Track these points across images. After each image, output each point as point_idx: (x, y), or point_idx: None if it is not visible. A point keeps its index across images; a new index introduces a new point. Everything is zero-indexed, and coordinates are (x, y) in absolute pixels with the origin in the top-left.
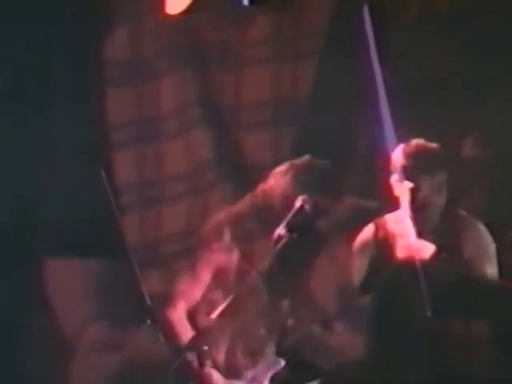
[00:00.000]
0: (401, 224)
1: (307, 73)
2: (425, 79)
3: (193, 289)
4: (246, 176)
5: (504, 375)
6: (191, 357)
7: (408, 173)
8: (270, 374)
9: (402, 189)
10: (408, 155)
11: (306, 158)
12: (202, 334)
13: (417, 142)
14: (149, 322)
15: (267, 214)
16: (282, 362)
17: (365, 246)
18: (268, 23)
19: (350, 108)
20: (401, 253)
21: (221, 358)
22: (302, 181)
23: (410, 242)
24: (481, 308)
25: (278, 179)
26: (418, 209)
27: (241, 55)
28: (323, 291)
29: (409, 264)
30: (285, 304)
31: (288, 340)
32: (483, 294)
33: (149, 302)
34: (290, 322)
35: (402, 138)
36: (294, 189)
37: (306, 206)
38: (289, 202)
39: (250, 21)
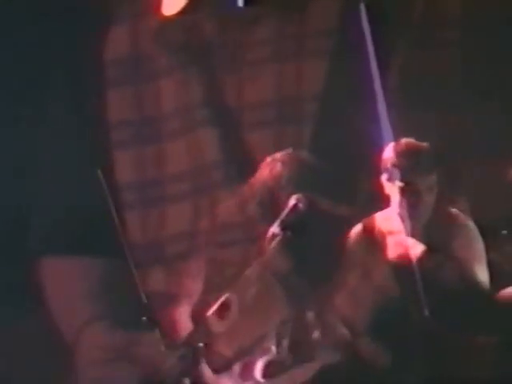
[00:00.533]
0: (390, 221)
1: (312, 72)
2: (427, 80)
3: (197, 287)
4: (251, 175)
5: (504, 377)
6: (187, 354)
7: (398, 172)
8: (262, 361)
9: (392, 188)
10: (398, 154)
11: (288, 151)
12: (197, 332)
13: (406, 140)
14: (144, 319)
15: (251, 207)
16: (274, 349)
17: (352, 246)
18: (271, 21)
19: (355, 108)
20: (391, 250)
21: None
22: (284, 174)
23: (399, 239)
24: (480, 313)
25: (261, 172)
26: (409, 208)
27: (244, 54)
28: (350, 302)
29: (402, 262)
30: (310, 315)
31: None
32: (482, 300)
33: (145, 299)
34: (316, 334)
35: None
36: (274, 182)
37: (300, 205)
38: (270, 196)
39: (253, 19)
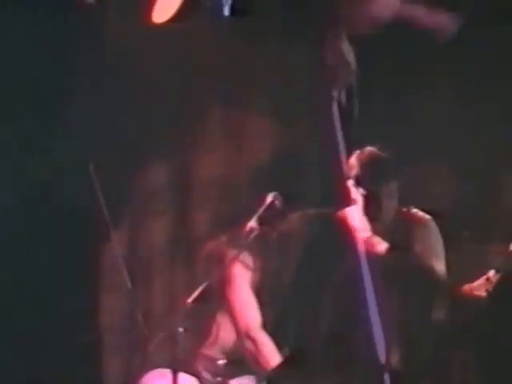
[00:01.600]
0: (357, 218)
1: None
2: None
3: None
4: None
5: None
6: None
7: (361, 180)
8: None
9: (357, 193)
10: (361, 163)
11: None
12: (178, 317)
13: (370, 150)
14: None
15: None
16: None
17: None
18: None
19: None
20: (358, 246)
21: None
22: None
23: (365, 236)
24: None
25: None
26: (371, 211)
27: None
28: None
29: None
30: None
31: None
32: None
33: (129, 285)
34: None
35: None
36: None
37: (277, 202)
38: None
39: None
